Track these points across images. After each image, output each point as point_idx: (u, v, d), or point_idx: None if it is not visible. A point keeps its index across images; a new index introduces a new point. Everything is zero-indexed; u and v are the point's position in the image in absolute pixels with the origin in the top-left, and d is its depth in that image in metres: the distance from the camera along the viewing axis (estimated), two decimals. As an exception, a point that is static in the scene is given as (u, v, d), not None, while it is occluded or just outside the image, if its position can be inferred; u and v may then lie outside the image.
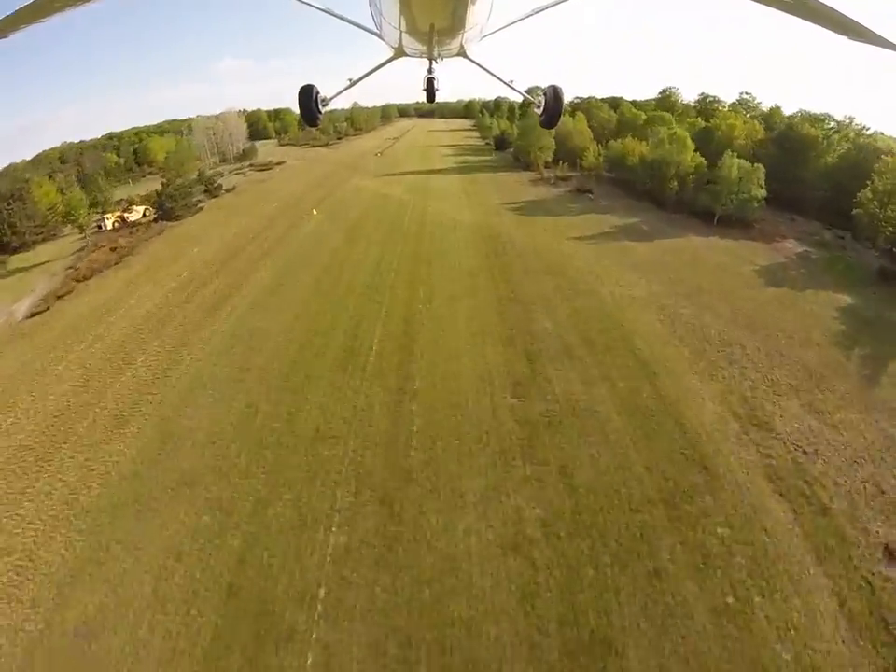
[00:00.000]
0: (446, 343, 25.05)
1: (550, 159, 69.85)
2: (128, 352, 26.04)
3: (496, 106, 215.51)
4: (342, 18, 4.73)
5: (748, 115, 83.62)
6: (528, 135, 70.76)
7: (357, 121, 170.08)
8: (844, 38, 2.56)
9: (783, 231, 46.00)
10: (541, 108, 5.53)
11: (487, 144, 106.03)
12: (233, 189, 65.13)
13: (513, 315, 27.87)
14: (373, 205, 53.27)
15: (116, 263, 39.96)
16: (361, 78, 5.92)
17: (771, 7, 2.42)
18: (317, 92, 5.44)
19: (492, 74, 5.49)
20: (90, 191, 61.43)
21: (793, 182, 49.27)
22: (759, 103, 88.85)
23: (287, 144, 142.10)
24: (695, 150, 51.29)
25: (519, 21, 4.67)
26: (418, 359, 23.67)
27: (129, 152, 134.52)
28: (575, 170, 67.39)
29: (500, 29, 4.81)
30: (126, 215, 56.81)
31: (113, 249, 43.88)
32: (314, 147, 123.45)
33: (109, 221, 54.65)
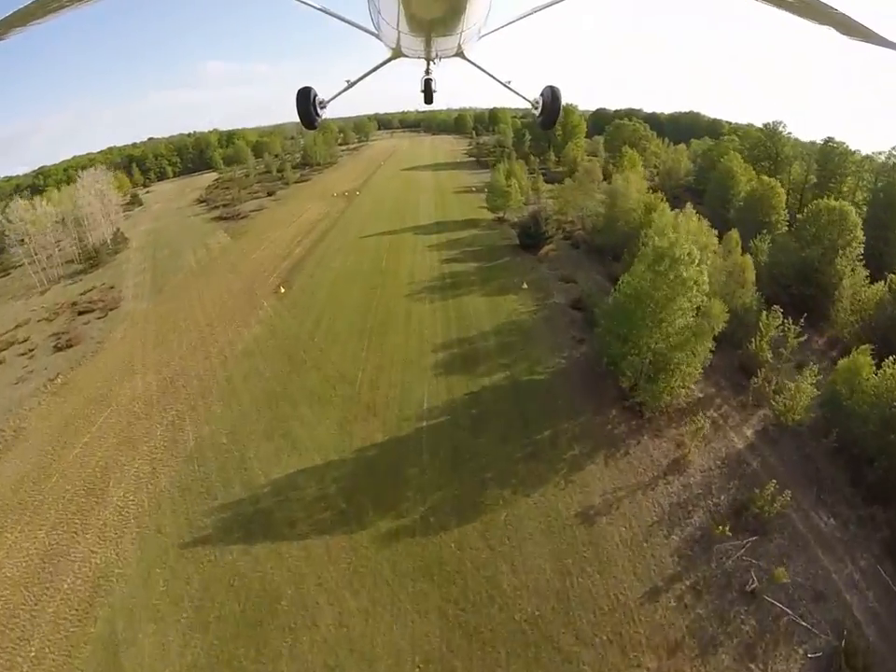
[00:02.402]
0: None
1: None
2: None
3: (491, 119, 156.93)
4: (339, 17, 4.45)
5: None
6: (644, 320, 24.94)
7: (314, 155, 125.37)
8: (846, 38, 2.41)
9: None
10: (539, 109, 5.32)
11: (500, 220, 61.40)
12: None
13: None
14: None
15: None
16: (359, 80, 5.48)
17: (774, 7, 2.33)
18: (315, 95, 5.18)
19: (490, 75, 5.25)
20: None
21: None
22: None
23: (203, 200, 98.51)
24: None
25: (517, 20, 4.45)
26: None
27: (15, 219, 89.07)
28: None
29: (499, 28, 4.57)
30: None
31: None
32: (225, 218, 79.17)
33: None
